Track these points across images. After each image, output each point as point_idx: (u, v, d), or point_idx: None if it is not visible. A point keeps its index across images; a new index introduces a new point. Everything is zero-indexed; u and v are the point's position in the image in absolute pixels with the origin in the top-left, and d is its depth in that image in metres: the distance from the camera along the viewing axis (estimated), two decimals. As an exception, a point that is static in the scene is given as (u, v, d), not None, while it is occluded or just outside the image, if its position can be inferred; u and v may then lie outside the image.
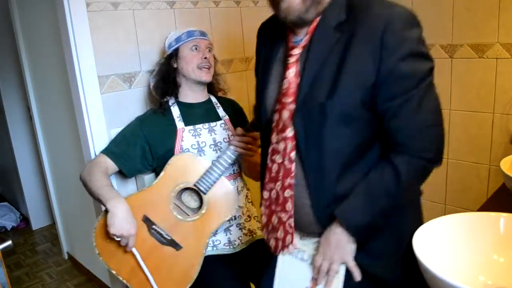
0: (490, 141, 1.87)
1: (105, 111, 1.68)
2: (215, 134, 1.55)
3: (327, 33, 0.91)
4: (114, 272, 1.38)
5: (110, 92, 1.70)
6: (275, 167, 1.01)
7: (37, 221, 3.28)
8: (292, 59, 0.95)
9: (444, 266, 0.79)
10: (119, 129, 1.64)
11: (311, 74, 0.92)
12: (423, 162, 0.90)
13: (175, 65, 1.56)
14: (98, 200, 1.40)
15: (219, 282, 1.41)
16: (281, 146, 0.98)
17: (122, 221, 1.32)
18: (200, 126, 1.54)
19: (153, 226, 1.41)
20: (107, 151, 1.50)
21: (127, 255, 1.39)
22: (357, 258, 0.97)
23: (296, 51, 0.95)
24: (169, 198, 1.41)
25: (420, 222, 1.00)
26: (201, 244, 1.41)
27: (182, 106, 1.57)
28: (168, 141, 1.51)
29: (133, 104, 1.76)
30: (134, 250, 1.37)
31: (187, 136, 1.51)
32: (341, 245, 0.96)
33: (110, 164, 1.48)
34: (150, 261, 1.39)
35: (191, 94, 1.58)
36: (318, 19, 0.93)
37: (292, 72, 0.95)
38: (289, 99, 0.95)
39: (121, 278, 1.39)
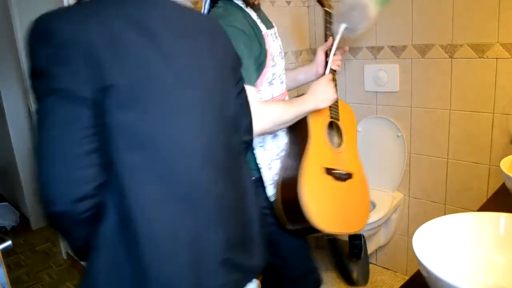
0: (490, 141, 1.87)
1: (105, 111, 1.68)
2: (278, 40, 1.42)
3: None
4: None
5: (110, 92, 1.69)
6: None
7: (37, 221, 3.29)
8: None
9: (444, 266, 0.79)
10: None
11: None
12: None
13: None
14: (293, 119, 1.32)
15: None
16: None
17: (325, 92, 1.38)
18: (273, 30, 1.39)
19: (333, 172, 1.46)
20: None
21: None
22: None
23: None
24: (326, 140, 1.49)
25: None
26: (357, 155, 1.63)
27: (254, 7, 1.34)
28: (261, 44, 1.30)
29: (133, 104, 1.76)
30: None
31: (270, 41, 1.35)
32: None
33: None
34: (352, 199, 1.52)
35: None
36: None
37: None
38: None
39: None
